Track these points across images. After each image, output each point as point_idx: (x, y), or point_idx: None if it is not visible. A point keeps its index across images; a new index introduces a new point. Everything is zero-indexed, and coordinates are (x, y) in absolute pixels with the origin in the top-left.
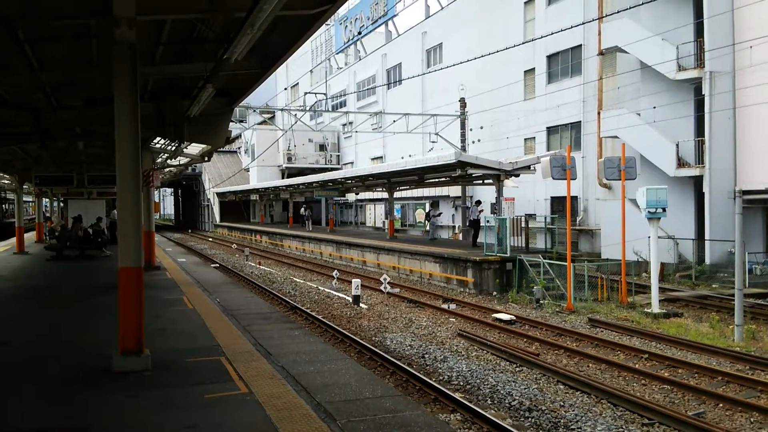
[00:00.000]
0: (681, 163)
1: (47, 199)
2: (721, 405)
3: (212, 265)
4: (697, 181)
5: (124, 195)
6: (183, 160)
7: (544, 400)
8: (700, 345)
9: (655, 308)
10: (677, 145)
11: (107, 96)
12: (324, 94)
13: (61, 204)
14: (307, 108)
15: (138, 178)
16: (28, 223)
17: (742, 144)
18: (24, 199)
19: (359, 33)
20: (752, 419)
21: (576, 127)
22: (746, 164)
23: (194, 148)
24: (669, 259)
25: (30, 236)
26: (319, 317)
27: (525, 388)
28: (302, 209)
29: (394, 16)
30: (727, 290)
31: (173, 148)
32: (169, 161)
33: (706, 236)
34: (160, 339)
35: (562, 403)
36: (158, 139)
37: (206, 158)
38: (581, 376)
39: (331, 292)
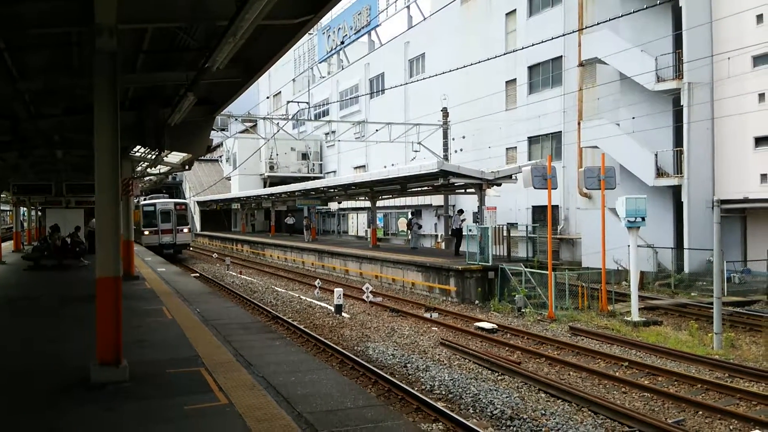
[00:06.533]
0: (660, 173)
1: (25, 208)
2: (700, 413)
3: (192, 275)
4: (676, 190)
5: (102, 204)
6: (163, 168)
7: (525, 408)
8: (679, 353)
9: (635, 316)
10: (656, 155)
11: (87, 104)
12: (307, 103)
13: (39, 213)
14: (290, 117)
15: (117, 187)
16: (6, 232)
17: (720, 154)
18: (1, 208)
19: (342, 42)
20: (731, 427)
21: (557, 137)
22: (724, 174)
23: (175, 157)
24: (648, 267)
25: (8, 246)
26: (301, 327)
27: (507, 397)
28: (288, 218)
29: (377, 26)
30: (706, 299)
31: (153, 156)
32: (149, 170)
33: (685, 245)
34: (138, 350)
35: (543, 412)
36: (138, 147)
37: (187, 167)
38: (562, 385)
39: (313, 301)
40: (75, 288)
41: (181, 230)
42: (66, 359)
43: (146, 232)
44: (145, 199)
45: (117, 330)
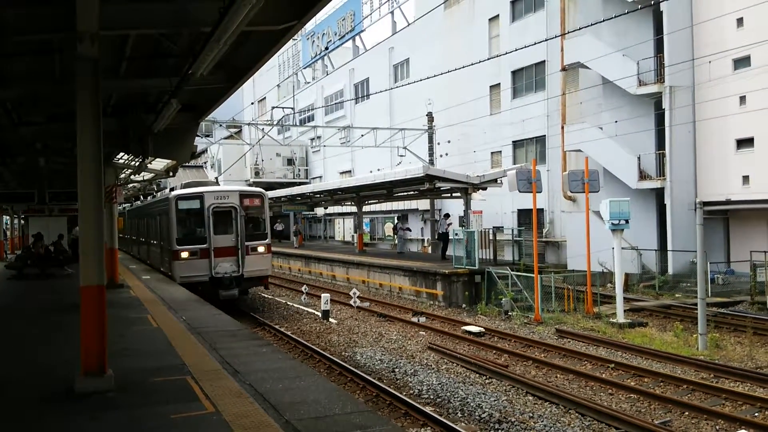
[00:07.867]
0: (643, 176)
1: (8, 217)
2: (687, 413)
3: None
4: (659, 193)
5: (86, 212)
6: (147, 175)
7: (513, 411)
8: (665, 354)
9: (621, 318)
10: (639, 158)
11: (70, 111)
12: (292, 108)
13: (22, 222)
14: (275, 122)
15: (100, 195)
16: None
17: (701, 156)
18: None
19: (326, 48)
20: (717, 427)
21: (541, 141)
22: (706, 176)
23: (159, 163)
24: (633, 269)
25: None
26: (288, 333)
27: (495, 400)
28: (277, 224)
29: (362, 31)
30: (690, 300)
31: (137, 163)
32: (132, 177)
33: (669, 247)
34: (124, 359)
35: (531, 414)
36: (122, 154)
37: (171, 173)
38: (549, 387)
39: (300, 307)
40: (59, 297)
41: (255, 249)
42: (50, 369)
43: (184, 254)
44: (174, 189)
45: (101, 339)
